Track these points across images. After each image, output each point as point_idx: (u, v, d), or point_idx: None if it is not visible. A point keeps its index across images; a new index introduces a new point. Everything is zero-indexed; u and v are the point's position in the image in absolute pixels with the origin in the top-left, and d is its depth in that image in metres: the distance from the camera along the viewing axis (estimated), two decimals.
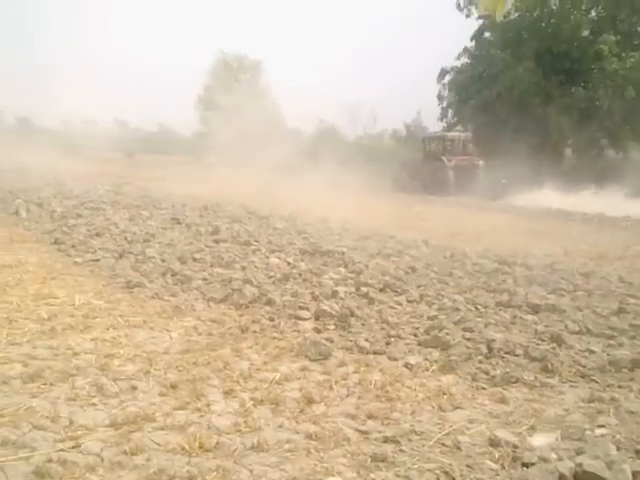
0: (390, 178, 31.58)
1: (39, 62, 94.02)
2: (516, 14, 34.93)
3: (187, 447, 2.99)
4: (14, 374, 3.81)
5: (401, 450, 3.09)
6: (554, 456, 3.02)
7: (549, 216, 20.26)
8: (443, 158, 30.41)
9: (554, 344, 4.95)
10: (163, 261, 7.67)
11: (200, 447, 2.99)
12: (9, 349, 4.29)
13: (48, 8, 77.90)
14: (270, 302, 5.91)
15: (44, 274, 6.75)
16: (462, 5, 36.61)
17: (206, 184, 22.50)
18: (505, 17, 31.38)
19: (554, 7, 34.74)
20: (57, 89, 51.21)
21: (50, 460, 2.78)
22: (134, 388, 3.73)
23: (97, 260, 7.61)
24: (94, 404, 3.48)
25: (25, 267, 7.03)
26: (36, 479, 2.66)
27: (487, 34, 38.17)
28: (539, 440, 3.23)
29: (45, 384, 3.71)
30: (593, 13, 35.17)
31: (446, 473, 2.89)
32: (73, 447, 2.94)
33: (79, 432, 3.10)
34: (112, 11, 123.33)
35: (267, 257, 8.23)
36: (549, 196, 24.27)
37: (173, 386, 3.79)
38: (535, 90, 33.56)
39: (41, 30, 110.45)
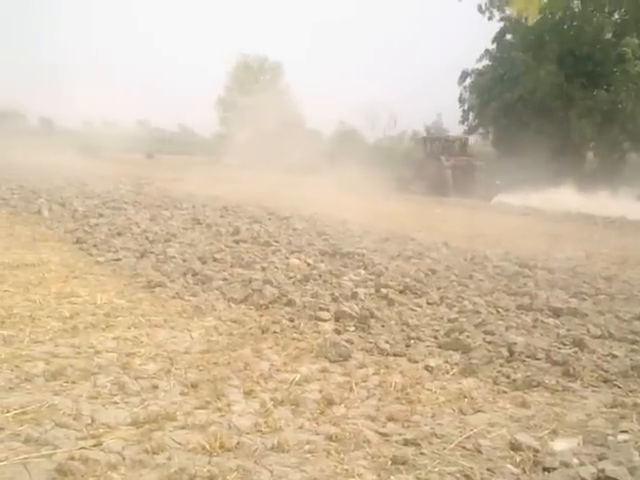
0: (396, 178, 31.71)
1: (62, 63, 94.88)
2: (538, 16, 34.70)
3: (208, 447, 3.00)
4: (37, 372, 3.85)
5: (422, 453, 3.08)
6: (576, 461, 2.99)
7: (569, 219, 20.09)
8: (442, 158, 30.61)
9: (576, 348, 4.91)
10: (184, 261, 7.70)
11: (221, 447, 3.00)
12: (32, 347, 4.33)
13: (72, 9, 78.72)
14: (290, 303, 5.92)
15: (66, 273, 6.81)
16: (484, 7, 36.45)
17: (226, 185, 22.59)
18: (526, 19, 31.18)
19: (576, 9, 34.48)
20: (79, 90, 51.52)
21: (72, 458, 2.80)
22: (155, 387, 3.75)
23: (119, 259, 7.66)
24: (116, 402, 3.50)
25: (47, 266, 7.08)
26: (58, 477, 2.68)
27: (508, 36, 37.91)
28: (561, 445, 3.21)
29: (67, 382, 3.74)
30: (616, 15, 34.81)
31: (467, 476, 2.87)
32: (95, 445, 2.96)
33: (101, 430, 3.12)
34: (135, 12, 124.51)
35: (287, 258, 8.24)
36: (566, 198, 24.07)
37: (194, 386, 3.81)
38: (557, 93, 33.28)
39: (65, 32, 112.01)
